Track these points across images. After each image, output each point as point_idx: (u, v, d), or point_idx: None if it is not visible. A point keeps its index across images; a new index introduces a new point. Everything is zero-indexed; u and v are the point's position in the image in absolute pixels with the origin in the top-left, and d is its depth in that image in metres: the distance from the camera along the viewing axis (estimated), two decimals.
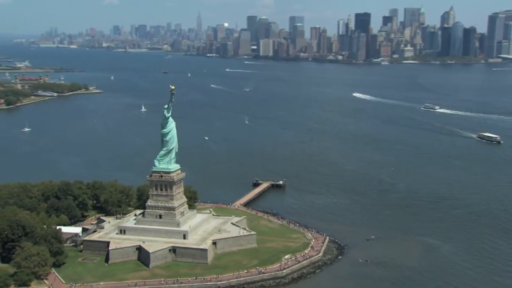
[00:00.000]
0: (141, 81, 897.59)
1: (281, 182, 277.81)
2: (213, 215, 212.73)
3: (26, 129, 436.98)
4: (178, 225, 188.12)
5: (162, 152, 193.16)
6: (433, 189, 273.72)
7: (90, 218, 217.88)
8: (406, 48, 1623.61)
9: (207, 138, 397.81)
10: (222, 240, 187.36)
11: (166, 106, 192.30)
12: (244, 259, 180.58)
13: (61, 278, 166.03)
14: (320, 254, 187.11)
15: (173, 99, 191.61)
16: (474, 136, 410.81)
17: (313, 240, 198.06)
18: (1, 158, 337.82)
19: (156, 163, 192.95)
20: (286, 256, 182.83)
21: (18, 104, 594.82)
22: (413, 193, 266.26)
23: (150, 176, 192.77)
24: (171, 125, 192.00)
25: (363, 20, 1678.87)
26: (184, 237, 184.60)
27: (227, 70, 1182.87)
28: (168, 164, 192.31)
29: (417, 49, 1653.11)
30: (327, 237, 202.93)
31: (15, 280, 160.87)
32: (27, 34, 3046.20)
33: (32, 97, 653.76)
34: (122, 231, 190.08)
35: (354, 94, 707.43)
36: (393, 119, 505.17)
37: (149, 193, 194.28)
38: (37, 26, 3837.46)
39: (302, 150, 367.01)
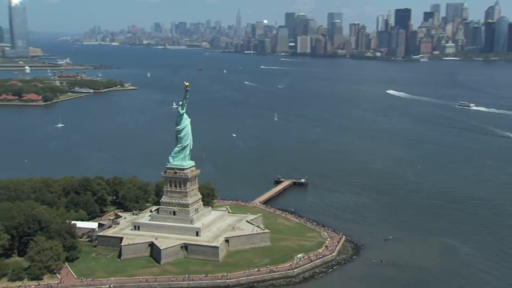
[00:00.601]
0: (176, 78, 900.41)
1: (303, 180, 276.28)
2: (228, 212, 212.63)
3: (59, 125, 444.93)
4: (191, 222, 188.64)
5: (176, 149, 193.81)
6: (460, 189, 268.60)
7: (108, 214, 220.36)
8: (447, 45, 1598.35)
9: (234, 135, 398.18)
10: (235, 237, 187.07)
11: (180, 103, 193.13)
12: (256, 257, 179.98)
13: (73, 273, 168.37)
14: (334, 254, 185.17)
15: (187, 96, 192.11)
16: (511, 135, 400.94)
17: (328, 239, 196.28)
18: (32, 153, 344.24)
19: (171, 159, 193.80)
20: (299, 255, 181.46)
21: (54, 101, 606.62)
22: (438, 192, 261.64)
23: (165, 172, 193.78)
24: (186, 121, 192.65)
25: (403, 16, 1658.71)
26: (197, 234, 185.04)
27: (261, 67, 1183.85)
28: (183, 161, 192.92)
29: (459, 46, 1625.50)
30: (343, 237, 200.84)
31: (28, 273, 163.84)
32: (72, 32, 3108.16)
33: (69, 93, 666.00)
34: (137, 227, 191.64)
35: (389, 92, 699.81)
36: (425, 117, 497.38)
37: (163, 189, 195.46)
38: (81, 24, 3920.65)
39: (329, 148, 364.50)
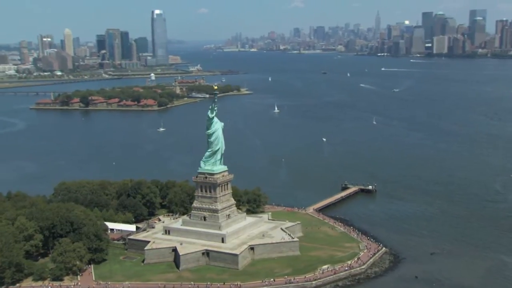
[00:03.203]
0: (297, 82, 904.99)
1: (370, 187, 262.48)
2: (268, 219, 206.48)
3: (161, 129, 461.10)
4: (219, 228, 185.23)
5: (207, 154, 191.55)
6: None
7: (155, 218, 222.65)
8: None
9: (324, 140, 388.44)
10: (260, 245, 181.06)
11: (210, 107, 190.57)
12: (278, 267, 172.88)
13: (93, 275, 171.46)
14: (364, 266, 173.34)
15: (216, 100, 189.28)
16: None
17: (365, 251, 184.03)
18: (123, 156, 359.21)
19: (202, 164, 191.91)
20: (324, 266, 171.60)
21: (169, 106, 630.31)
22: None
23: (196, 177, 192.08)
24: (216, 125, 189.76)
25: None
26: (222, 241, 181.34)
27: (382, 69, 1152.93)
28: (213, 166, 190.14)
29: None
30: (383, 248, 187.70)
31: (50, 274, 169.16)
32: (216, 40, 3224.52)
33: (185, 98, 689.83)
34: (167, 231, 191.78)
35: None
36: None
37: (195, 194, 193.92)
38: (225, 32, 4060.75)
39: (419, 154, 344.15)
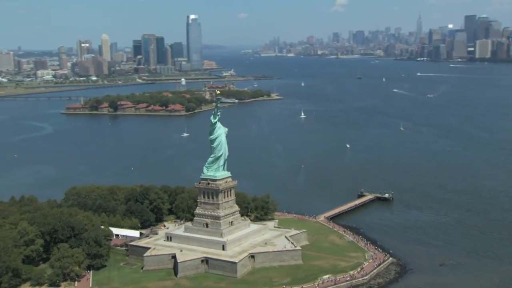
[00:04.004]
0: (329, 87, 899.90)
1: (387, 195, 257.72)
2: (274, 226, 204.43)
3: (185, 134, 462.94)
4: (221, 235, 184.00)
5: (210, 159, 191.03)
6: None
7: (161, 224, 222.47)
8: None
9: (348, 146, 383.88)
10: (261, 254, 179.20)
11: (213, 112, 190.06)
12: (278, 276, 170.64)
13: (90, 282, 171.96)
14: (366, 277, 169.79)
15: (218, 105, 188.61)
16: None
17: (370, 261, 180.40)
18: (143, 161, 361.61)
19: (205, 170, 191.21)
20: (324, 276, 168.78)
21: (196, 111, 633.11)
22: None
23: (199, 183, 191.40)
24: (219, 131, 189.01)
25: None
26: (223, 248, 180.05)
27: (418, 74, 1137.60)
28: (216, 172, 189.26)
29: None
30: (390, 259, 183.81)
31: (47, 279, 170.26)
32: (254, 44, 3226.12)
33: (214, 104, 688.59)
34: (169, 238, 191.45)
35: None
36: None
37: (198, 200, 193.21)
38: (263, 36, 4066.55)
39: (442, 161, 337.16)
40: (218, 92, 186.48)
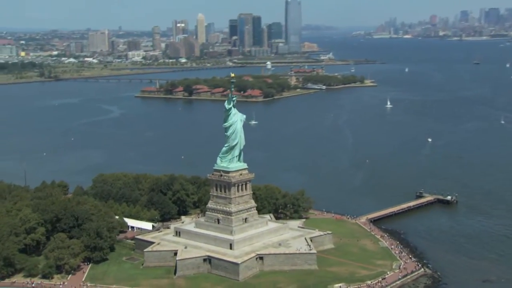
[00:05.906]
0: (437, 74, 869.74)
1: (449, 198, 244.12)
2: (298, 226, 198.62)
3: (253, 122, 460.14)
4: (231, 232, 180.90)
5: (224, 149, 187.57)
6: None
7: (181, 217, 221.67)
8: None
9: (430, 140, 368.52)
10: (270, 255, 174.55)
11: (227, 96, 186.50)
12: (283, 281, 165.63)
13: (85, 275, 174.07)
14: None
15: (232, 89, 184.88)
16: None
17: (396, 271, 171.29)
18: (195, 149, 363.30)
19: (218, 160, 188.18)
20: (336, 285, 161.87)
21: (276, 97, 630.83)
22: None
23: (212, 174, 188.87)
24: (233, 118, 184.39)
25: None
26: (230, 247, 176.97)
27: None
28: (229, 163, 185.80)
29: None
30: (422, 269, 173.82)
31: (40, 271, 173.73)
32: (367, 25, 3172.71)
33: (298, 90, 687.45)
34: (178, 233, 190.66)
35: None
36: None
37: (210, 193, 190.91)
38: (378, 17, 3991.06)
39: None
40: (233, 75, 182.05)
